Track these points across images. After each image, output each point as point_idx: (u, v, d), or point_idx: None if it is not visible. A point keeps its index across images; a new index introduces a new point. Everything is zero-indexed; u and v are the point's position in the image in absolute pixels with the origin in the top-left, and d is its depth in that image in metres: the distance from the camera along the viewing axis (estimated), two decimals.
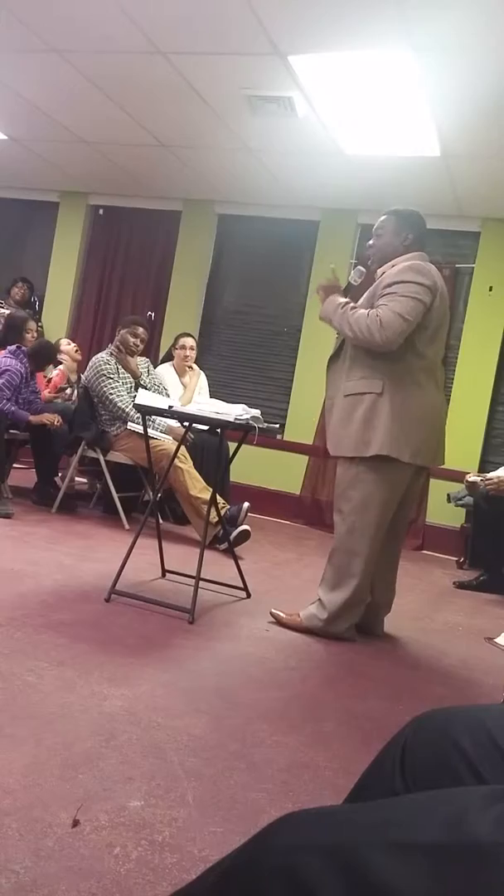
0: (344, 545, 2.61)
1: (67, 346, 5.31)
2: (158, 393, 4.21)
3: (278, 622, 2.67)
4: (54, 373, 5.16)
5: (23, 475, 4.66)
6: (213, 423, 2.87)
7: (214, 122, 4.38)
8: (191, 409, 2.96)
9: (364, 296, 2.67)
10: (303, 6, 3.00)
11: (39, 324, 5.80)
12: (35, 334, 4.48)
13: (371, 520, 2.57)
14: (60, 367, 5.17)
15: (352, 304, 2.60)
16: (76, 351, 5.35)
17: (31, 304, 6.12)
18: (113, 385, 4.17)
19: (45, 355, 4.28)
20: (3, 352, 4.25)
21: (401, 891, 0.53)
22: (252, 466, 5.15)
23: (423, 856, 0.55)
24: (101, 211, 6.33)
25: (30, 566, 2.90)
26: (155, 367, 4.65)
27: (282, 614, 2.68)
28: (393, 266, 2.60)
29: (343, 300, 2.63)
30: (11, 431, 4.16)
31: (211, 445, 4.17)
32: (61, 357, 5.13)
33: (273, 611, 2.72)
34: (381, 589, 2.76)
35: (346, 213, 5.48)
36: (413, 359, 2.55)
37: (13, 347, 4.25)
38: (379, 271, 2.66)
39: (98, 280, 6.32)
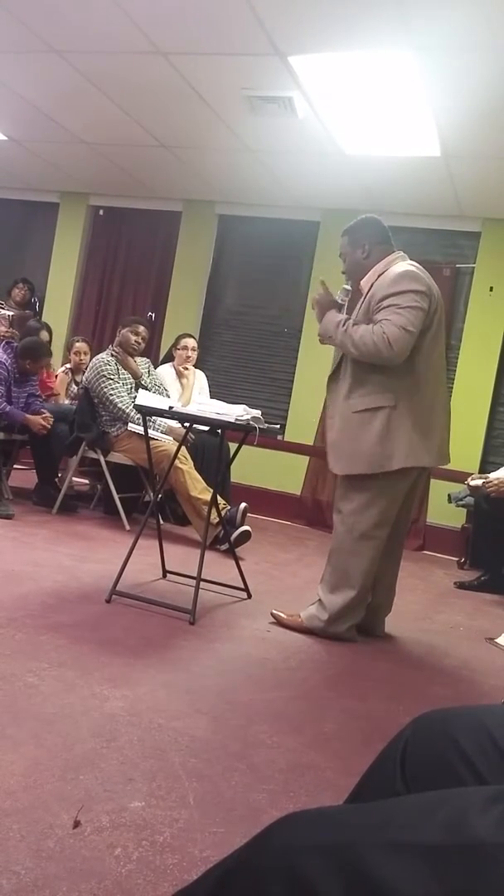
0: (342, 546, 2.61)
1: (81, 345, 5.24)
2: (159, 393, 4.21)
3: (279, 623, 2.67)
4: (61, 369, 5.17)
5: (23, 476, 4.66)
6: (214, 424, 2.87)
7: (214, 123, 4.38)
8: (191, 409, 2.96)
9: (358, 309, 2.63)
10: (303, 6, 3.00)
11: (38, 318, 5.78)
12: (49, 363, 4.45)
13: (371, 521, 2.56)
14: (68, 365, 5.17)
15: (352, 321, 2.57)
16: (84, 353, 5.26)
17: (31, 305, 6.12)
18: (113, 386, 4.17)
19: (32, 352, 4.16)
20: None
21: (401, 891, 0.53)
22: (253, 467, 5.15)
23: (423, 856, 0.55)
24: (101, 212, 6.34)
25: (30, 567, 2.91)
26: (155, 368, 4.65)
27: (282, 615, 2.68)
28: (379, 276, 2.57)
29: (342, 317, 2.61)
30: (14, 436, 4.17)
31: (211, 446, 4.17)
32: (73, 356, 5.11)
33: (274, 611, 2.72)
34: (381, 589, 2.76)
35: (346, 214, 5.41)
36: (421, 365, 2.54)
37: (3, 342, 4.24)
38: (364, 283, 2.64)
39: (98, 281, 6.32)
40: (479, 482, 4.01)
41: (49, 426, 4.12)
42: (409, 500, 2.73)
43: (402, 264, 2.57)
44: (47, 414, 4.17)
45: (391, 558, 2.77)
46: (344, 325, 2.56)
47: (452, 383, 5.18)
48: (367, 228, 2.67)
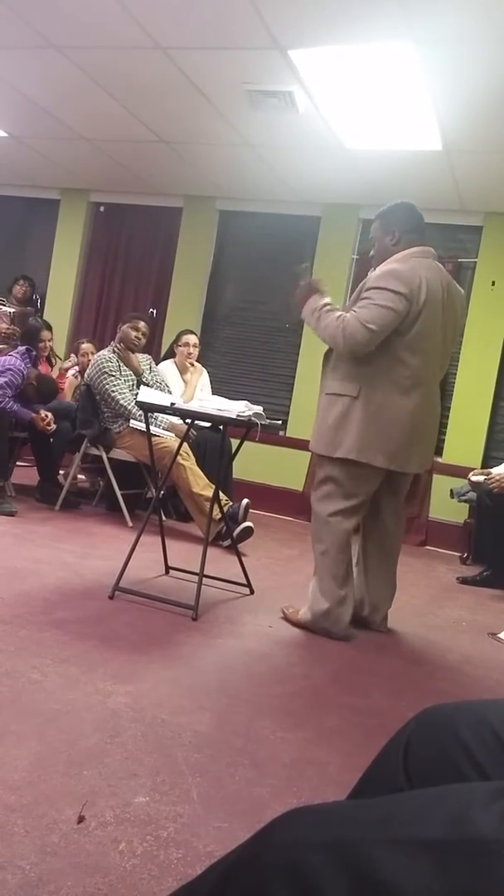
0: (317, 536, 2.64)
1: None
2: (161, 390, 4.21)
3: (285, 617, 2.69)
4: (71, 372, 5.16)
5: (26, 473, 4.67)
6: (216, 420, 2.87)
7: (215, 118, 4.37)
8: (193, 405, 2.96)
9: (353, 294, 2.66)
10: (303, 0, 2.99)
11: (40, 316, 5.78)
12: (49, 344, 4.48)
13: (330, 509, 2.58)
14: (77, 368, 5.18)
15: (329, 307, 2.59)
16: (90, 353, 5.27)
17: (32, 301, 6.11)
18: (115, 382, 4.17)
19: (46, 393, 4.22)
20: (11, 352, 4.25)
21: (404, 887, 0.53)
22: (254, 463, 5.15)
23: (426, 852, 0.55)
24: (102, 208, 6.33)
25: (33, 564, 2.91)
26: (157, 364, 4.65)
27: (290, 609, 2.70)
28: (382, 266, 2.58)
29: (322, 302, 2.62)
30: (16, 434, 4.17)
31: (213, 442, 4.17)
32: (81, 358, 5.13)
33: (283, 607, 2.73)
34: (378, 586, 2.75)
35: (347, 209, 5.46)
36: (393, 364, 2.51)
37: (22, 349, 4.25)
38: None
39: (99, 277, 6.31)
40: (480, 478, 4.01)
41: (50, 424, 4.13)
42: (392, 498, 2.71)
43: (399, 265, 2.53)
44: (48, 418, 4.16)
45: (385, 555, 2.75)
46: (319, 310, 2.59)
47: (454, 378, 5.18)
48: (399, 214, 2.64)
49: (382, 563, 2.76)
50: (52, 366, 5.12)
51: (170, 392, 4.32)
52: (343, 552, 2.60)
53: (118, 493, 4.10)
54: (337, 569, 2.58)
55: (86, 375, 4.45)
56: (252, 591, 3.00)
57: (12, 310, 5.49)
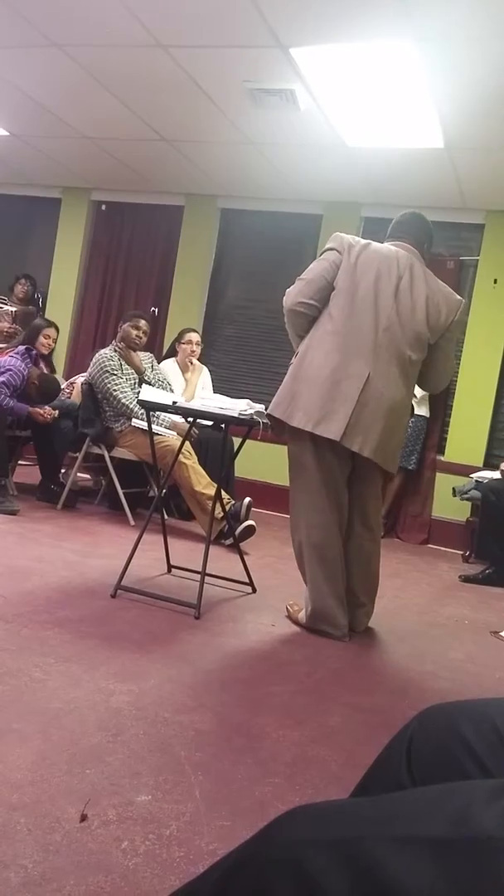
0: (290, 522, 2.63)
1: None
2: (162, 388, 4.21)
3: (288, 615, 2.69)
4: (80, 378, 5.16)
5: (28, 472, 4.68)
6: (218, 419, 2.87)
7: (216, 116, 4.37)
8: (195, 404, 2.96)
9: None
10: None
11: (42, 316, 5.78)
12: (52, 342, 4.48)
13: (302, 499, 2.55)
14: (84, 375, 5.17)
15: None
16: None
17: (34, 300, 6.11)
18: (117, 381, 4.17)
19: (48, 392, 4.22)
20: (11, 351, 4.25)
21: (406, 885, 0.53)
22: (256, 461, 5.15)
23: (428, 850, 0.55)
24: (103, 206, 6.33)
25: (35, 563, 2.91)
26: (159, 363, 4.65)
27: (295, 608, 2.69)
28: None
29: None
30: (17, 432, 4.17)
31: (215, 441, 4.16)
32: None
33: (288, 604, 2.73)
34: (356, 584, 2.64)
35: (349, 207, 5.46)
36: (324, 321, 2.53)
37: (22, 349, 4.25)
38: None
39: (101, 276, 6.31)
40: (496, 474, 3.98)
41: (50, 416, 4.12)
42: (365, 485, 2.60)
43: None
44: (49, 412, 4.17)
45: (358, 551, 2.64)
46: None
47: (457, 376, 5.17)
48: (394, 220, 2.76)
49: (359, 560, 2.64)
50: (54, 370, 5.11)
51: (171, 391, 4.32)
52: (316, 546, 2.51)
53: (120, 491, 4.10)
54: (313, 564, 2.52)
55: (88, 374, 4.46)
56: (254, 590, 3.00)
57: (14, 309, 5.51)
